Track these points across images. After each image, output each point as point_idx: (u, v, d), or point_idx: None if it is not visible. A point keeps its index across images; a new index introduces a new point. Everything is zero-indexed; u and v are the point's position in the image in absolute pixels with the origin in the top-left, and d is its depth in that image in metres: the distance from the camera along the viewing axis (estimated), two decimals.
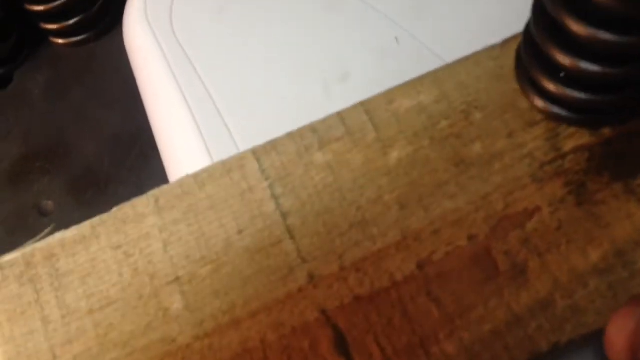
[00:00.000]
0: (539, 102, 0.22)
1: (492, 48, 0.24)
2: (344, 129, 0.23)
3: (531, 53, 0.22)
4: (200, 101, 0.28)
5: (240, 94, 0.29)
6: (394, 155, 0.22)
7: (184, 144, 0.27)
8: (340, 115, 0.23)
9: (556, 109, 0.22)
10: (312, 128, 0.23)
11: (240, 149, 0.27)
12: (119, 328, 0.20)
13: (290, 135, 0.23)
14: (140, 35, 0.31)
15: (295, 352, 0.20)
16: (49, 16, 0.37)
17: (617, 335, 0.18)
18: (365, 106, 0.23)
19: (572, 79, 0.21)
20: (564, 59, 0.20)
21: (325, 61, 0.29)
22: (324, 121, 0.23)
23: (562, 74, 0.21)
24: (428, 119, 0.23)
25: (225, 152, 0.25)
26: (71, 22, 0.37)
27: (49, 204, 0.33)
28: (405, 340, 0.20)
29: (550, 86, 0.21)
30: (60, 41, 0.39)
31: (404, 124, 0.23)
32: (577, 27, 0.19)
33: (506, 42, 0.24)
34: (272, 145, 0.23)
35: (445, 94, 0.23)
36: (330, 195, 0.22)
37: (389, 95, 0.23)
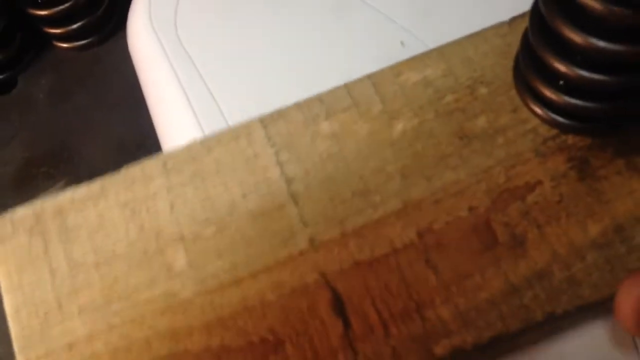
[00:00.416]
0: (538, 110, 0.22)
1: (500, 25, 0.24)
2: (350, 100, 0.23)
3: (529, 60, 0.22)
4: (204, 105, 0.29)
5: (244, 98, 0.29)
6: (399, 127, 0.23)
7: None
8: (347, 87, 0.24)
9: (555, 117, 0.22)
10: (320, 98, 0.24)
11: None
12: (123, 281, 0.20)
13: (297, 105, 0.23)
14: (145, 40, 0.32)
15: (293, 312, 0.20)
16: (53, 20, 0.37)
17: (625, 300, 0.19)
18: (372, 79, 0.24)
19: (570, 87, 0.21)
20: (561, 67, 0.20)
21: (330, 65, 0.29)
22: (331, 92, 0.24)
23: (561, 82, 0.21)
24: (434, 93, 0.23)
25: None
26: (75, 26, 0.37)
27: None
28: (402, 304, 0.20)
29: (549, 94, 0.21)
30: (64, 45, 0.39)
31: (410, 96, 0.23)
32: (573, 35, 0.19)
33: (514, 20, 0.24)
34: (280, 114, 0.23)
35: (452, 68, 0.23)
36: (335, 164, 0.22)
37: (396, 69, 0.24)
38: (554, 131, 0.22)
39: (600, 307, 0.20)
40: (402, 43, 0.30)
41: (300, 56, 0.31)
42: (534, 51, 0.21)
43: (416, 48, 0.30)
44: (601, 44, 0.18)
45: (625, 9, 0.17)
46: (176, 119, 0.31)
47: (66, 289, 0.20)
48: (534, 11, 0.21)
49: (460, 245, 0.21)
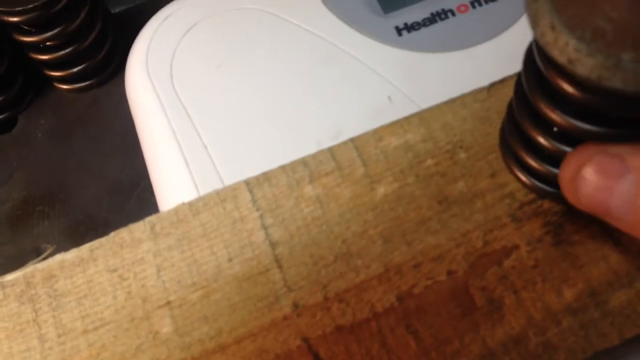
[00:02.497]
0: (524, 178, 0.23)
1: (479, 91, 0.25)
2: (334, 163, 0.24)
3: (513, 129, 0.22)
4: (196, 154, 0.30)
5: (235, 148, 0.30)
6: (381, 190, 0.24)
7: (178, 195, 0.28)
8: (331, 150, 0.24)
9: (541, 185, 0.22)
10: (304, 162, 0.24)
11: None
12: (110, 349, 0.21)
13: (282, 168, 0.24)
14: (141, 88, 0.33)
15: None
16: (54, 64, 0.38)
17: (566, 168, 0.20)
18: (355, 142, 0.25)
19: (553, 159, 0.21)
20: (543, 141, 0.21)
21: (318, 119, 0.30)
22: (315, 156, 0.24)
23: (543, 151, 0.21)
24: (414, 157, 0.24)
25: None
26: (75, 69, 0.38)
27: (47, 248, 0.34)
28: None
29: (534, 164, 0.22)
30: (64, 87, 0.40)
31: (391, 160, 0.24)
32: (553, 115, 0.20)
33: (493, 85, 0.25)
34: (265, 177, 0.24)
35: (432, 133, 0.24)
36: (318, 227, 0.23)
37: (378, 133, 0.25)
38: (531, 196, 0.23)
39: None
40: (389, 98, 0.31)
41: (289, 105, 0.32)
42: (517, 122, 0.22)
43: (403, 103, 0.31)
44: (578, 123, 0.19)
45: (593, 95, 0.18)
46: (168, 167, 0.31)
47: (55, 357, 0.21)
48: (518, 85, 0.22)
49: (439, 310, 0.21)
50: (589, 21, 0.17)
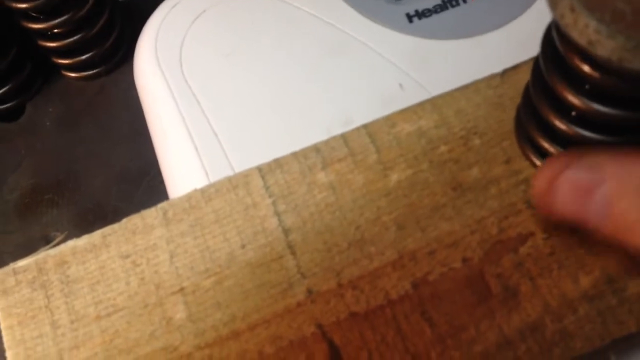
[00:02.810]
0: (538, 162, 0.22)
1: (492, 77, 0.25)
2: (346, 149, 0.24)
3: (530, 114, 0.22)
4: (206, 141, 0.30)
5: (245, 136, 0.30)
6: (394, 177, 0.23)
7: (189, 183, 0.28)
8: (344, 137, 0.24)
9: None
10: (316, 148, 0.24)
11: None
12: (124, 335, 0.21)
13: (294, 155, 0.24)
14: (150, 75, 0.32)
15: None
16: (62, 52, 0.38)
17: (543, 173, 0.20)
18: (367, 129, 0.24)
19: (570, 143, 0.21)
20: (561, 125, 0.20)
21: (329, 107, 0.30)
22: (327, 142, 0.24)
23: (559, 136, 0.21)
24: (428, 143, 0.24)
25: None
26: (83, 57, 0.38)
27: (56, 236, 0.34)
28: (398, 357, 0.20)
29: (551, 148, 0.22)
30: (72, 75, 0.40)
31: (404, 147, 0.24)
32: (572, 98, 0.19)
33: (506, 72, 0.25)
34: (277, 164, 0.24)
35: (445, 119, 0.24)
36: (331, 214, 0.23)
37: (391, 119, 0.24)
38: None
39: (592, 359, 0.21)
40: (400, 85, 0.31)
41: (299, 93, 0.31)
42: (533, 105, 0.22)
43: (414, 90, 0.31)
44: (596, 107, 0.19)
45: (612, 77, 0.18)
46: (178, 154, 0.31)
47: (68, 343, 0.21)
48: (535, 68, 0.22)
49: (455, 298, 0.21)
50: (608, 3, 0.17)
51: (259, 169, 0.24)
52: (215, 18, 0.33)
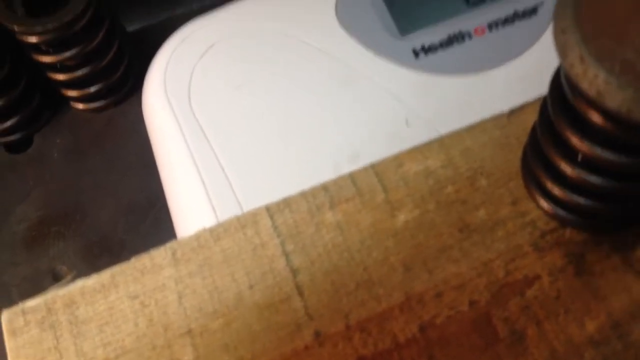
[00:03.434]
0: (544, 204, 0.23)
1: (499, 117, 0.25)
2: (354, 189, 0.24)
3: (536, 155, 0.22)
4: (213, 176, 0.30)
5: (252, 170, 0.30)
6: (401, 217, 0.23)
7: (195, 217, 0.28)
8: (352, 176, 0.24)
9: (563, 213, 0.22)
10: (324, 187, 0.24)
11: None
12: None
13: (303, 194, 0.24)
14: (158, 108, 0.33)
15: None
16: (71, 84, 0.38)
17: None
18: (375, 168, 0.25)
19: (576, 187, 0.21)
20: (567, 168, 0.20)
21: (336, 141, 0.30)
22: (335, 181, 0.24)
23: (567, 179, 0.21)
24: (435, 183, 0.24)
25: None
26: (92, 89, 0.38)
27: (63, 269, 0.34)
28: None
29: (555, 190, 0.22)
30: (80, 106, 0.40)
31: (411, 187, 0.24)
32: (578, 143, 0.19)
33: (513, 112, 0.25)
34: (285, 203, 0.24)
35: (452, 159, 0.24)
36: (339, 254, 0.23)
37: (398, 159, 0.25)
38: (552, 224, 0.23)
39: None
40: (406, 121, 0.31)
41: (307, 127, 0.32)
42: (540, 148, 0.22)
43: (420, 126, 0.31)
44: (603, 153, 0.19)
45: (621, 127, 0.18)
46: (185, 188, 0.31)
47: None
48: (543, 111, 0.22)
49: (462, 341, 0.21)
50: (618, 53, 0.17)
51: (267, 208, 0.24)
52: (224, 52, 0.34)
